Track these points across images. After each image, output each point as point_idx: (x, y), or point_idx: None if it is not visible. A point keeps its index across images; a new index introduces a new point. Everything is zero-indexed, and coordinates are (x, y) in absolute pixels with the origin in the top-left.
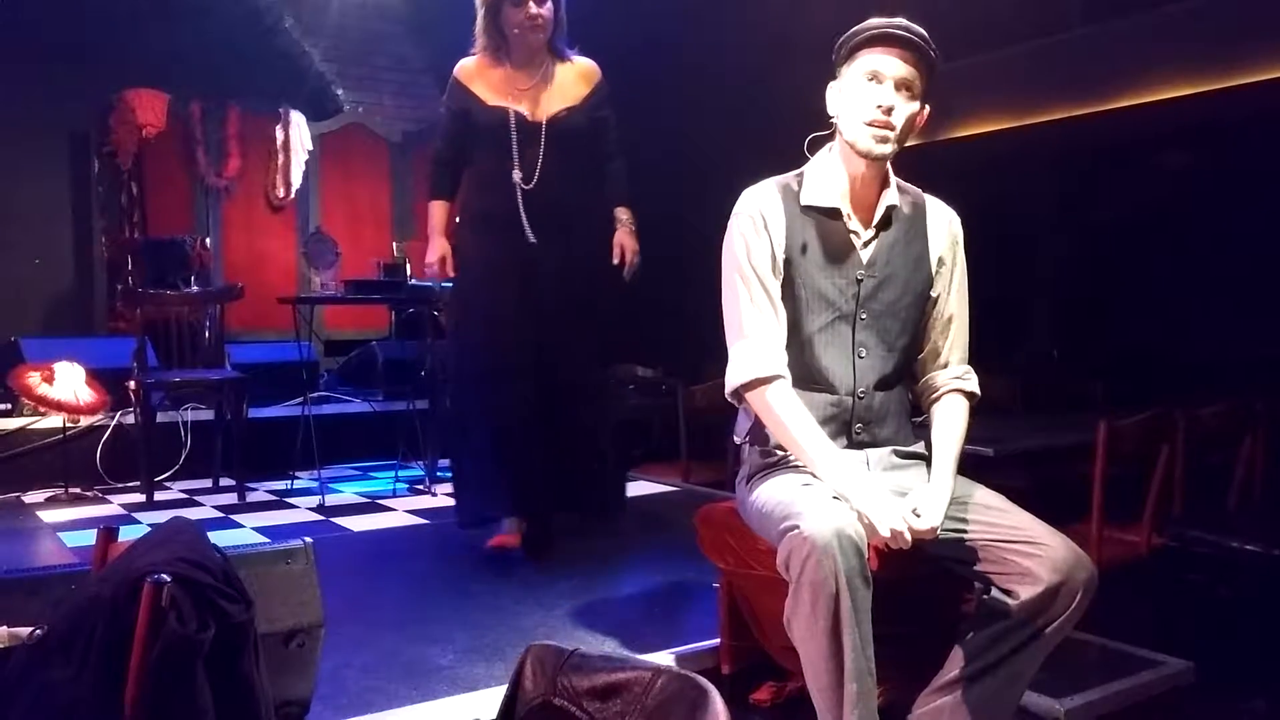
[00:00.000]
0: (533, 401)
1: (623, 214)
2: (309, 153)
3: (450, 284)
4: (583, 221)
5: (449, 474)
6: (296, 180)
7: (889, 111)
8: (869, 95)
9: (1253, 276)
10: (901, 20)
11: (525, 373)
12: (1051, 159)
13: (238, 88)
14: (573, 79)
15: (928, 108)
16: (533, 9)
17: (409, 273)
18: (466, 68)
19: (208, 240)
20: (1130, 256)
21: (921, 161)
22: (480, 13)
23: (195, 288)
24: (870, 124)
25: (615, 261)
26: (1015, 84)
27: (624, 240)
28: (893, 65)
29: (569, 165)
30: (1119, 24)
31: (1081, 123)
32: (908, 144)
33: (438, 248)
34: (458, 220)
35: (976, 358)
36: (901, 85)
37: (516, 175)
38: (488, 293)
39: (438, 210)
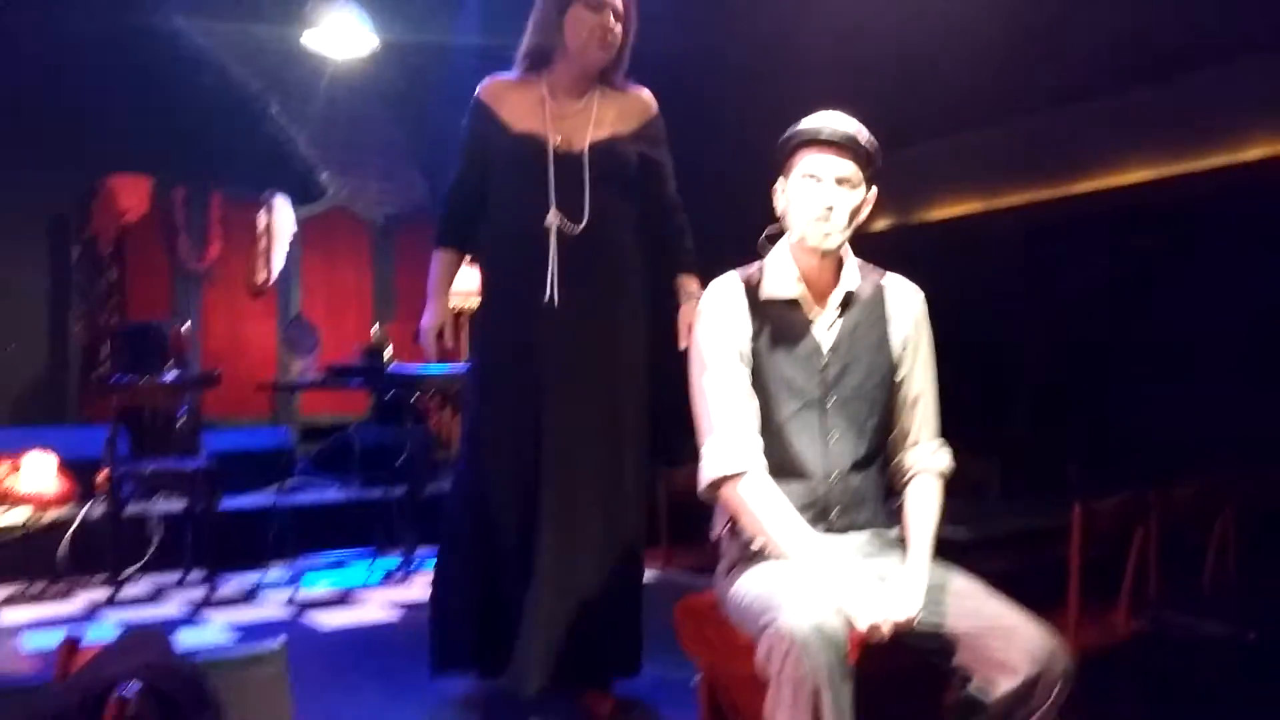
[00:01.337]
0: (550, 530)
1: (691, 285)
2: (292, 236)
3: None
4: (637, 282)
5: (426, 564)
6: (278, 265)
7: (831, 209)
8: (811, 195)
9: (1218, 355)
10: (833, 121)
11: (547, 489)
12: (1022, 240)
13: (222, 173)
14: (622, 110)
15: (874, 190)
16: (610, 20)
17: (389, 356)
18: (493, 85)
19: (186, 325)
20: (1102, 336)
21: (896, 243)
22: (541, 9)
23: (172, 373)
24: (816, 220)
25: (682, 346)
26: (984, 168)
27: (692, 320)
28: (829, 164)
29: (621, 207)
30: (1083, 109)
31: (1049, 206)
32: (877, 228)
33: (435, 312)
34: (479, 282)
35: (954, 439)
36: (841, 181)
37: (553, 218)
38: (512, 376)
39: (443, 262)
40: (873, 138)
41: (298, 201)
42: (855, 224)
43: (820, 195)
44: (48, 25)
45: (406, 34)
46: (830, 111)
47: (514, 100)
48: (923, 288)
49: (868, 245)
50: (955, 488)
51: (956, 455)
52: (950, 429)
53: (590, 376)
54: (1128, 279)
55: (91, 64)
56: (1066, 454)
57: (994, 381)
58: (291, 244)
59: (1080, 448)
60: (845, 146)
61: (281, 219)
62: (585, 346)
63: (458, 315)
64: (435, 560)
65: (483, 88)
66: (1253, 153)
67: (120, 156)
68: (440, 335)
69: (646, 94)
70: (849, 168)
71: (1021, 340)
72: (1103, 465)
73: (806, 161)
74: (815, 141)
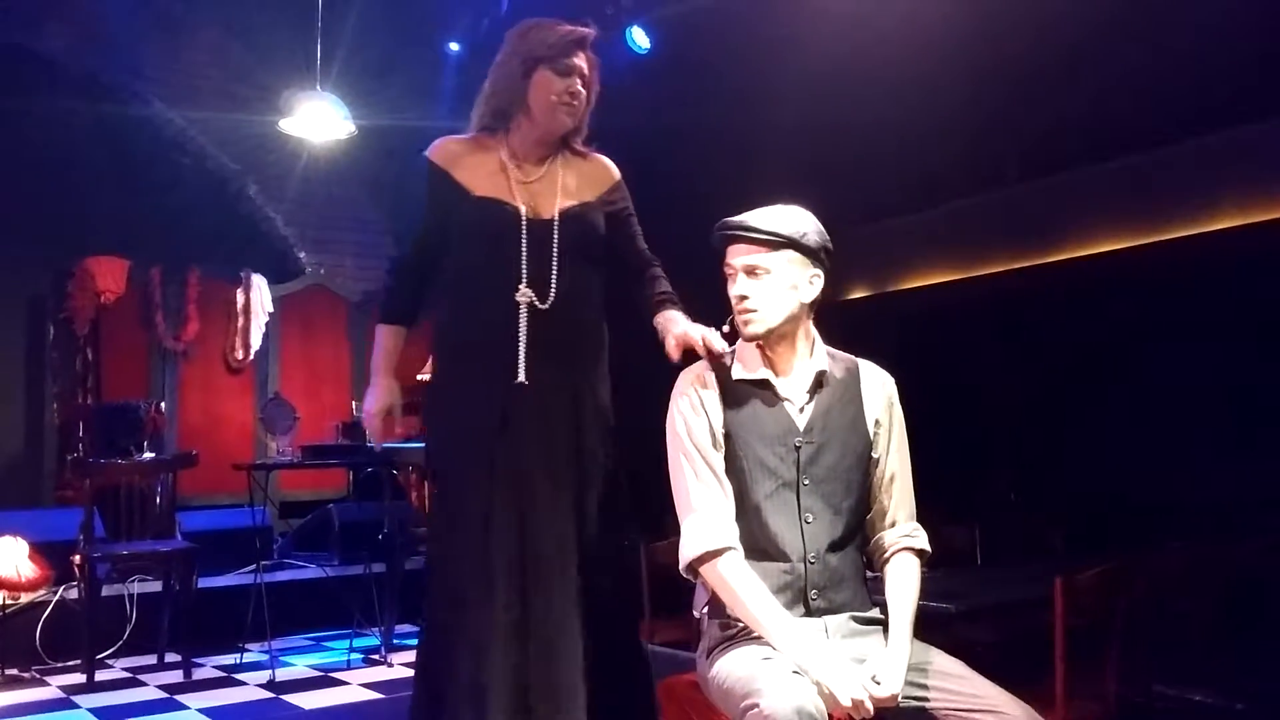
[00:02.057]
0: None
1: (679, 314)
2: (269, 314)
3: (425, 442)
4: (598, 359)
5: (406, 642)
6: (256, 342)
7: (743, 299)
8: (730, 288)
9: (1193, 420)
10: (741, 216)
11: (526, 569)
12: (999, 308)
13: (199, 253)
14: (585, 176)
15: (815, 270)
16: (577, 85)
17: (368, 434)
18: (445, 145)
19: (163, 404)
20: (1078, 402)
21: (873, 312)
22: (503, 68)
23: (148, 453)
24: (736, 312)
25: (674, 357)
26: (959, 238)
27: (690, 332)
28: (736, 257)
29: (588, 278)
30: (1055, 180)
31: (1024, 274)
32: (853, 297)
33: (381, 393)
34: (432, 357)
35: (934, 506)
36: (749, 271)
37: (524, 294)
38: (482, 460)
39: (386, 339)
40: (790, 223)
41: (275, 280)
42: (790, 307)
43: (735, 288)
44: (25, 108)
45: (382, 118)
46: (762, 209)
47: (471, 162)
48: (900, 355)
49: (845, 314)
50: (937, 556)
51: (937, 523)
52: (930, 497)
53: (562, 453)
54: (1103, 345)
55: (69, 146)
56: (1047, 519)
57: (973, 448)
58: (269, 322)
59: (1063, 512)
60: (743, 239)
61: (258, 297)
62: (555, 424)
63: (412, 389)
64: (419, 644)
65: (434, 149)
66: (1223, 222)
67: (97, 238)
68: (388, 416)
69: (608, 161)
70: (756, 256)
71: (1001, 403)
72: (1084, 529)
73: (727, 256)
74: (724, 237)
